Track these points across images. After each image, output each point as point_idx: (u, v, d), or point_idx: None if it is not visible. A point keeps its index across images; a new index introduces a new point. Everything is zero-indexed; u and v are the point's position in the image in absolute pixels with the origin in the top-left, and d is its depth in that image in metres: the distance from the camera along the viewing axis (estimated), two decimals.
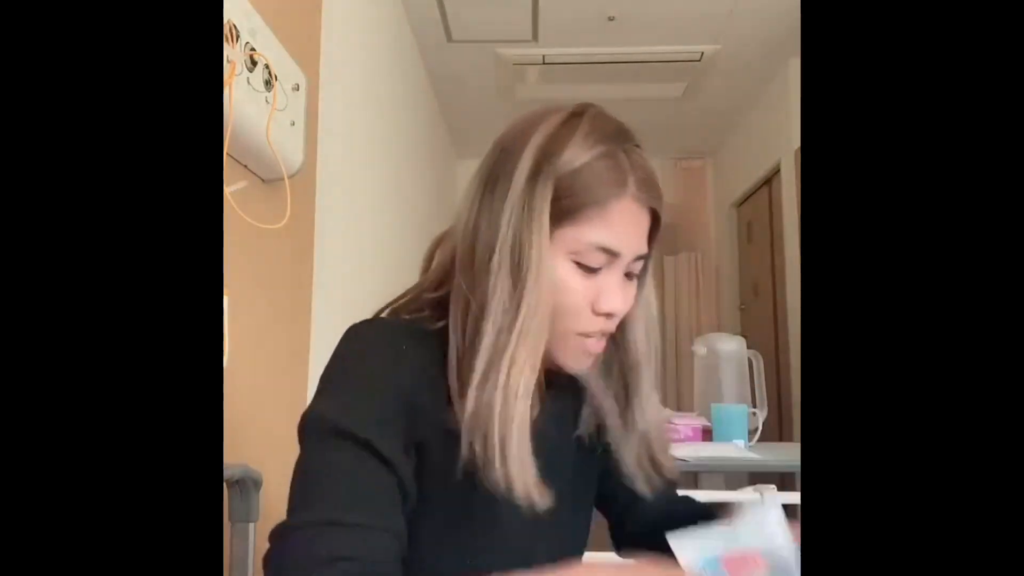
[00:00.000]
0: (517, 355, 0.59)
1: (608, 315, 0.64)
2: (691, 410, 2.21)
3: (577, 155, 0.61)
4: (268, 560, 0.56)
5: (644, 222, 0.65)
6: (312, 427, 0.59)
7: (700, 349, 2.16)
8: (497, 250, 0.60)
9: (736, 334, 2.37)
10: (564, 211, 0.61)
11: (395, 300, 0.70)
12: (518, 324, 0.59)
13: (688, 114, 4.20)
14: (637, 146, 0.65)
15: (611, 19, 3.07)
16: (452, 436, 0.59)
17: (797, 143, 3.34)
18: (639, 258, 0.65)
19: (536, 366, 0.61)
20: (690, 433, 1.87)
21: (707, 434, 1.91)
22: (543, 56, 3.41)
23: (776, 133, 3.71)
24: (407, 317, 0.67)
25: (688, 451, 1.59)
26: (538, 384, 0.64)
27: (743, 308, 4.50)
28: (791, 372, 3.49)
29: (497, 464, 0.58)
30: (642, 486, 0.70)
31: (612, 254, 0.62)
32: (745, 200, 4.43)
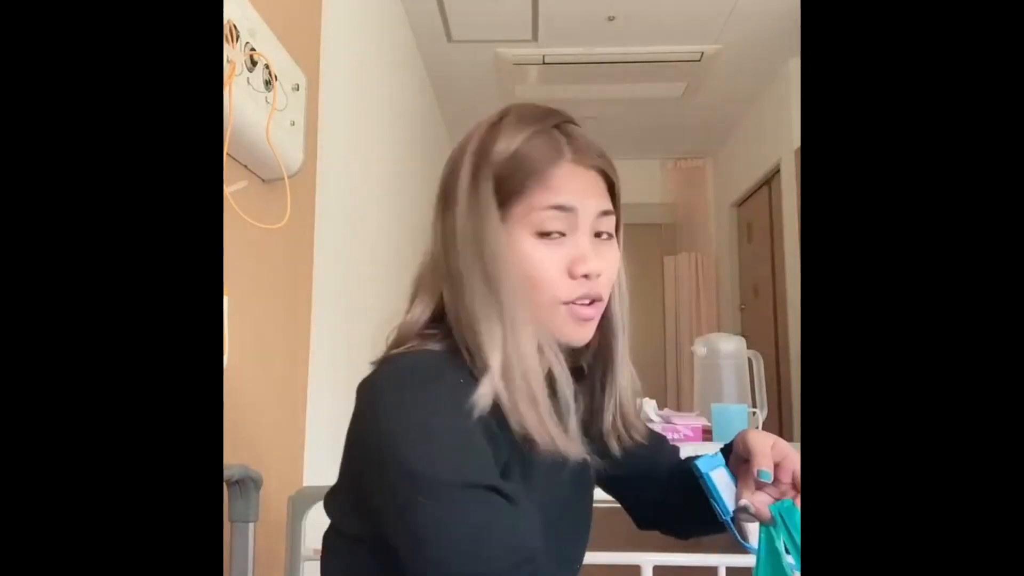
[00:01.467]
0: (516, 338, 0.61)
1: (586, 276, 0.64)
2: (691, 410, 2.21)
3: (509, 142, 0.64)
4: None
5: (594, 180, 0.66)
6: (424, 487, 0.54)
7: (700, 349, 2.16)
8: (460, 256, 0.63)
9: (736, 334, 2.37)
10: (510, 191, 0.63)
11: (392, 338, 0.68)
12: (507, 313, 0.61)
13: (688, 114, 4.20)
14: (569, 121, 0.67)
15: (611, 19, 3.07)
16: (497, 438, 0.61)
17: (797, 143, 3.34)
18: (605, 213, 0.66)
19: (534, 342, 0.62)
20: (690, 433, 1.87)
21: (707, 434, 1.90)
22: (543, 56, 3.41)
23: (776, 133, 3.71)
24: (413, 345, 0.65)
25: (688, 451, 1.59)
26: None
27: (743, 308, 4.50)
28: (791, 372, 3.49)
29: (531, 425, 0.59)
30: (614, 446, 0.73)
31: (566, 210, 0.63)
32: (745, 200, 4.43)
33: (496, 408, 0.60)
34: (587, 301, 0.65)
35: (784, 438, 0.72)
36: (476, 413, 0.58)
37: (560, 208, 0.63)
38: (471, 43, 3.28)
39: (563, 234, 0.64)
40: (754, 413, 1.98)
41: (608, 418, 0.72)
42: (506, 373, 0.60)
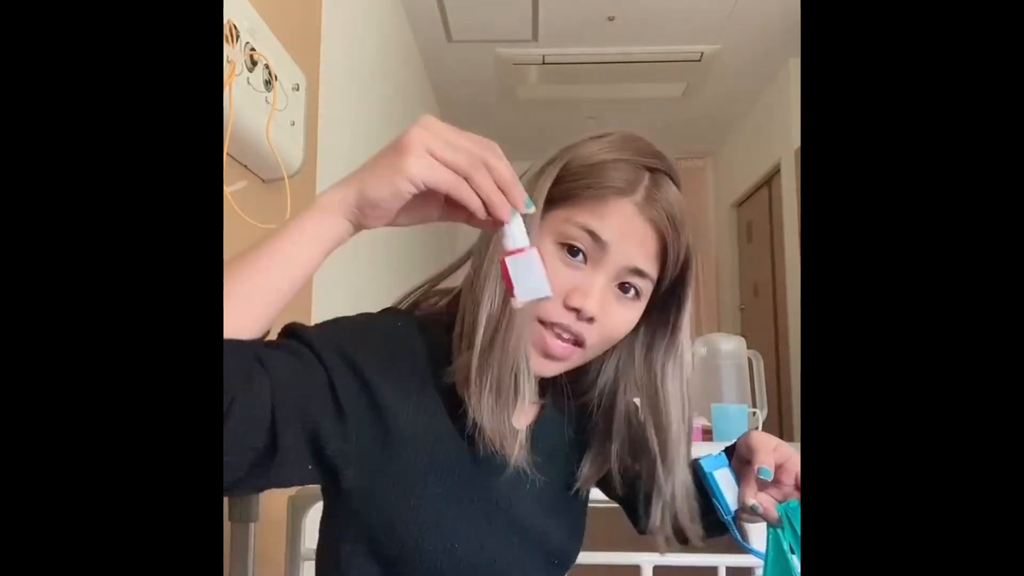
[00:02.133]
0: (511, 323, 0.59)
1: (577, 312, 0.60)
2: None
3: (596, 153, 0.61)
4: None
5: (647, 237, 0.61)
6: (287, 331, 0.60)
7: (700, 349, 2.16)
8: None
9: (736, 334, 2.37)
10: (562, 193, 0.61)
11: (414, 289, 0.72)
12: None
13: (688, 114, 4.21)
14: (666, 174, 0.63)
15: (611, 19, 3.07)
16: (430, 410, 0.61)
17: (797, 143, 3.34)
18: (638, 273, 0.62)
19: (524, 333, 0.60)
20: None
21: (707, 434, 1.90)
22: (543, 56, 3.41)
23: (776, 133, 3.71)
24: (412, 302, 0.70)
25: None
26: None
27: (743, 308, 4.50)
28: (791, 372, 3.49)
29: (485, 412, 0.59)
30: (661, 543, 0.70)
31: (598, 241, 0.60)
32: (745, 200, 4.43)
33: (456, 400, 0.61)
34: (564, 336, 0.61)
35: (784, 438, 0.71)
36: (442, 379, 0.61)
37: (592, 234, 0.60)
38: (471, 43, 3.28)
39: (585, 262, 0.61)
40: (754, 413, 1.98)
41: (656, 519, 0.68)
42: (486, 352, 0.59)
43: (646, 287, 0.64)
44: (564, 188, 0.61)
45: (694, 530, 0.69)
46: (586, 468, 0.71)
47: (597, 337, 0.62)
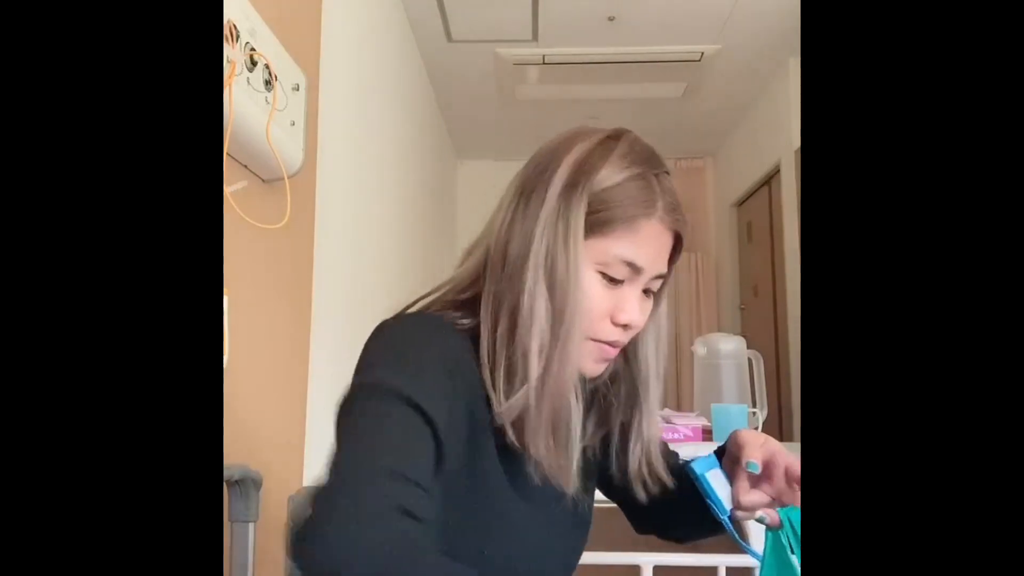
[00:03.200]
0: (566, 355, 0.63)
1: (625, 326, 0.67)
2: (691, 410, 2.21)
3: (612, 174, 0.65)
4: (322, 498, 0.51)
5: (667, 243, 0.68)
6: (362, 392, 0.59)
7: (700, 349, 2.16)
8: (531, 258, 0.64)
9: (736, 334, 2.37)
10: (595, 224, 0.65)
11: (423, 296, 0.72)
12: (563, 329, 0.63)
13: (688, 114, 4.21)
14: (667, 172, 0.69)
15: (611, 19, 3.07)
16: (477, 423, 0.63)
17: (797, 143, 3.35)
18: (658, 276, 0.69)
19: (578, 365, 0.65)
20: (690, 433, 1.87)
21: (707, 434, 1.90)
22: (543, 56, 3.41)
23: (776, 133, 3.71)
24: (437, 312, 0.70)
25: (688, 451, 1.59)
26: None
27: (743, 308, 4.50)
28: (791, 372, 3.49)
29: (543, 450, 0.63)
30: (639, 491, 0.74)
31: (635, 269, 0.66)
32: (745, 200, 4.43)
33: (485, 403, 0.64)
34: (614, 346, 0.68)
35: (784, 438, 0.72)
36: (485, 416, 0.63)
37: (631, 265, 0.65)
38: (471, 43, 3.28)
39: (622, 281, 0.66)
40: (754, 413, 1.98)
41: (634, 463, 0.74)
42: (541, 388, 0.63)
43: (660, 284, 0.71)
44: (596, 219, 0.65)
45: (662, 470, 0.75)
46: (590, 431, 0.75)
47: (631, 334, 0.69)
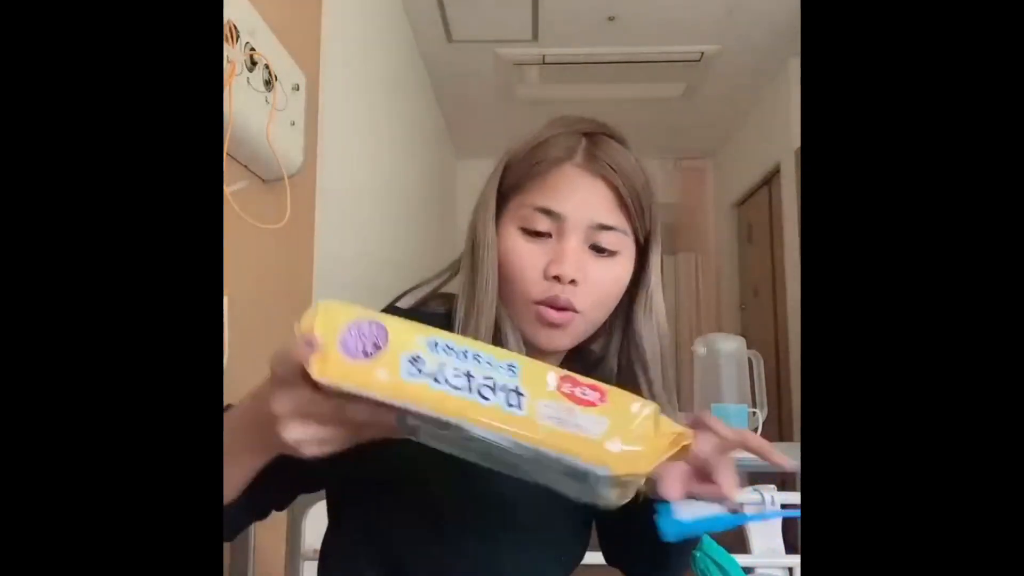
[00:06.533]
0: (478, 326, 0.63)
1: (556, 278, 0.62)
2: (691, 410, 2.21)
3: (532, 138, 0.66)
4: None
5: (598, 191, 0.64)
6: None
7: (700, 349, 2.16)
8: (466, 237, 0.67)
9: (736, 334, 2.37)
10: (512, 184, 0.66)
11: (410, 289, 0.73)
12: (479, 294, 0.64)
13: (688, 114, 4.20)
14: (609, 136, 0.66)
15: (611, 19, 3.07)
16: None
17: (797, 143, 3.34)
18: (604, 228, 0.63)
19: (490, 332, 0.63)
20: None
21: None
22: (543, 56, 3.41)
23: (776, 133, 3.71)
24: (416, 303, 0.71)
25: None
26: None
27: (743, 308, 4.50)
28: (791, 372, 3.49)
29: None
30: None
31: (554, 216, 0.63)
32: (745, 200, 4.43)
33: None
34: (557, 305, 0.63)
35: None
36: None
37: (546, 211, 0.63)
38: (471, 43, 3.28)
39: (550, 235, 0.64)
40: (754, 413, 1.98)
41: None
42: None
43: (621, 241, 0.65)
44: (511, 178, 0.66)
45: None
46: None
47: (588, 298, 0.64)
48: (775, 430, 3.56)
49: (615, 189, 0.64)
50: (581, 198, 0.63)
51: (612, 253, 0.65)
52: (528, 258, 0.63)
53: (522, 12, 3.00)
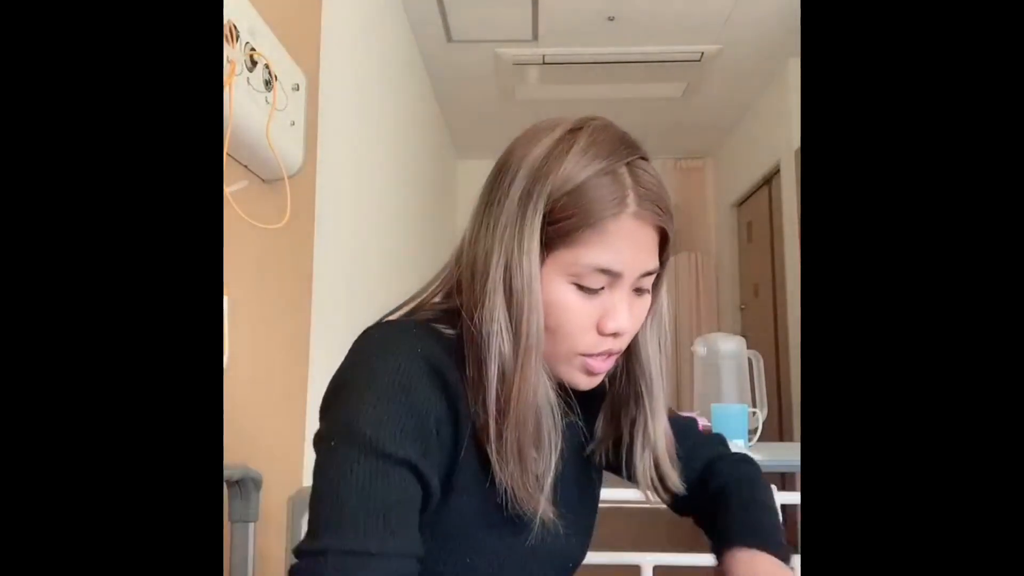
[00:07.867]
0: (526, 379, 0.59)
1: (614, 335, 0.62)
2: (691, 410, 2.21)
3: (573, 174, 0.59)
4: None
5: (649, 239, 0.62)
6: (340, 436, 0.57)
7: (700, 349, 2.16)
8: (491, 274, 0.60)
9: (736, 334, 2.37)
10: (560, 233, 0.59)
11: (403, 304, 0.69)
12: (522, 351, 0.59)
13: (688, 114, 4.20)
14: (643, 158, 0.63)
15: (611, 19, 3.07)
16: (470, 447, 0.61)
17: (797, 143, 3.34)
18: (647, 274, 0.63)
19: (540, 388, 0.61)
20: None
21: None
22: (543, 56, 3.41)
23: (776, 133, 3.71)
24: (420, 319, 0.66)
25: None
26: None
27: (743, 308, 4.50)
28: (791, 372, 3.49)
29: (509, 478, 0.59)
30: (646, 491, 0.72)
31: (612, 275, 0.60)
32: (745, 200, 4.43)
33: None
34: (607, 356, 0.63)
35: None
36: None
37: (605, 271, 0.60)
38: (471, 43, 3.28)
39: (602, 288, 0.61)
40: (754, 413, 1.98)
41: (642, 470, 0.70)
42: (503, 415, 0.59)
43: (651, 281, 0.65)
44: (560, 228, 0.59)
45: (672, 476, 0.71)
46: (599, 433, 0.72)
47: (629, 339, 0.65)
48: (775, 430, 3.57)
49: (662, 232, 0.63)
50: (636, 252, 0.61)
51: (645, 291, 0.65)
52: (584, 316, 0.61)
53: (522, 12, 2.99)
